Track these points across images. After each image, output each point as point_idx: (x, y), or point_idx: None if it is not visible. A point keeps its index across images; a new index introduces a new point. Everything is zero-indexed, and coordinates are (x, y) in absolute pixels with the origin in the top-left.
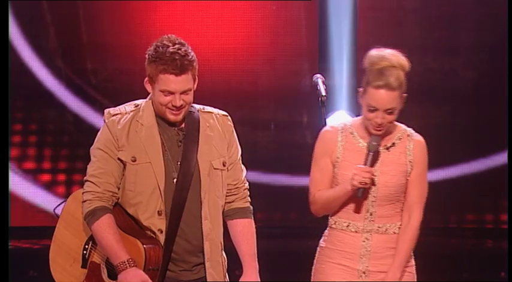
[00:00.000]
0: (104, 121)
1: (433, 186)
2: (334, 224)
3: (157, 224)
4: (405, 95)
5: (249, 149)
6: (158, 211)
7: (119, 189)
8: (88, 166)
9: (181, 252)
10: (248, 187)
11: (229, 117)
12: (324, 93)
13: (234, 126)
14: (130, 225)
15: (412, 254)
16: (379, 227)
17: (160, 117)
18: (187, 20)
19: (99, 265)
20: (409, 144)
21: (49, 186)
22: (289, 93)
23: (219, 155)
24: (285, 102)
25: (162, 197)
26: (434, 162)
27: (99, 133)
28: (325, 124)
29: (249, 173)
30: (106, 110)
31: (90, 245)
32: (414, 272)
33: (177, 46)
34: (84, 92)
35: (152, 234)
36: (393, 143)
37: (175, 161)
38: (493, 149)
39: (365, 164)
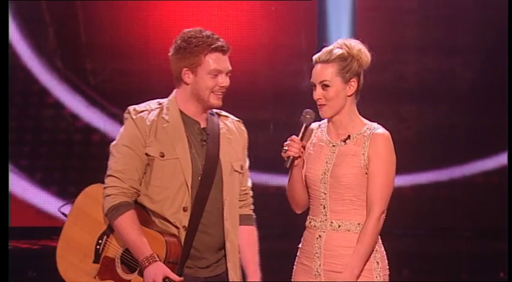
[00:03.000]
0: (129, 118)
1: (433, 187)
2: (306, 222)
3: (183, 221)
4: (353, 80)
5: (248, 149)
6: (184, 207)
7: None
8: (111, 162)
9: (203, 249)
10: (252, 195)
11: (243, 124)
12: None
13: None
14: (148, 220)
15: (377, 257)
16: (331, 223)
17: (185, 116)
18: (187, 20)
19: (114, 260)
20: (368, 137)
21: (49, 187)
22: (288, 93)
23: (237, 158)
24: (284, 103)
25: (189, 193)
26: (433, 163)
27: (123, 129)
28: None
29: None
30: (130, 107)
31: (104, 239)
32: (376, 276)
33: (208, 31)
34: (83, 92)
35: (176, 230)
36: (349, 136)
37: (201, 159)
38: (492, 149)
39: (297, 136)
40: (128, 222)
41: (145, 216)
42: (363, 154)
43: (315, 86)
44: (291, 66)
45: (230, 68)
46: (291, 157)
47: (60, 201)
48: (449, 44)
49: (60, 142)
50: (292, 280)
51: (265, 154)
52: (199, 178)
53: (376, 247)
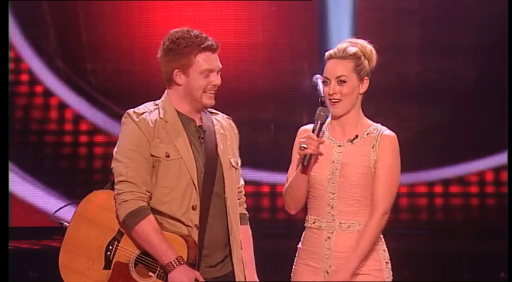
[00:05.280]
0: (130, 121)
1: (434, 186)
2: (307, 222)
3: (194, 219)
4: (366, 79)
5: (249, 149)
6: (192, 206)
7: None
8: (119, 168)
9: (210, 247)
10: (244, 193)
11: (232, 120)
12: (323, 94)
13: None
14: (159, 222)
15: (386, 257)
16: (340, 224)
17: (181, 115)
18: (187, 20)
19: (127, 264)
20: (376, 138)
21: (50, 187)
22: (289, 93)
23: (233, 154)
24: (285, 103)
25: (197, 191)
26: (433, 163)
27: (125, 133)
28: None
29: (248, 173)
30: (129, 111)
31: (115, 245)
32: (386, 276)
33: (197, 31)
34: (84, 92)
35: (188, 229)
36: (356, 136)
37: (202, 157)
38: (493, 149)
39: (312, 132)
40: (150, 226)
41: (156, 218)
42: (372, 154)
43: (329, 81)
44: (291, 66)
45: (220, 66)
46: (309, 155)
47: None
48: (450, 44)
49: (65, 143)
50: (294, 281)
51: (266, 154)
52: (202, 175)
53: (384, 247)
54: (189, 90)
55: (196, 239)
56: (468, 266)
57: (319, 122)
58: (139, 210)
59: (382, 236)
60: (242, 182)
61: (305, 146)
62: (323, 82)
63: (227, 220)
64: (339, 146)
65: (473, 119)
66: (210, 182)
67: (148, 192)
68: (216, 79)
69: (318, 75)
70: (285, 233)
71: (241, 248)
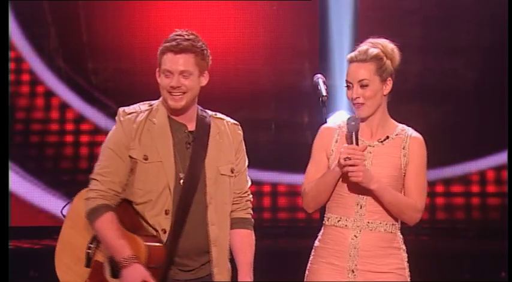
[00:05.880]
0: (118, 120)
1: (436, 186)
2: (328, 220)
3: (163, 224)
4: (389, 79)
5: (250, 149)
6: (166, 210)
7: (124, 189)
8: (96, 164)
9: (184, 254)
10: (251, 199)
11: (239, 127)
12: (324, 93)
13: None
14: (135, 223)
15: (405, 257)
16: (368, 223)
17: (172, 118)
18: (188, 20)
19: (102, 264)
20: (406, 139)
21: (51, 187)
22: (290, 93)
23: (227, 161)
24: (286, 102)
25: (171, 196)
26: (435, 162)
27: (111, 131)
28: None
29: (249, 172)
30: (120, 109)
31: (94, 244)
32: (407, 275)
33: (186, 33)
34: (85, 92)
35: (156, 233)
36: (387, 137)
37: (184, 163)
38: (494, 148)
39: (351, 143)
40: (105, 224)
41: (132, 217)
42: (404, 156)
43: (352, 85)
44: (292, 66)
45: (182, 68)
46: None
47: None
48: (451, 43)
49: (65, 143)
50: (314, 279)
51: (267, 154)
52: (182, 181)
53: (404, 247)
54: (160, 90)
55: (163, 243)
56: (469, 266)
57: (353, 133)
58: (98, 207)
59: (402, 236)
60: (245, 188)
61: (349, 157)
62: (346, 86)
63: (207, 228)
64: (370, 146)
65: (474, 119)
66: (190, 188)
67: (113, 190)
68: (173, 81)
69: (319, 75)
70: (286, 232)
71: (234, 255)
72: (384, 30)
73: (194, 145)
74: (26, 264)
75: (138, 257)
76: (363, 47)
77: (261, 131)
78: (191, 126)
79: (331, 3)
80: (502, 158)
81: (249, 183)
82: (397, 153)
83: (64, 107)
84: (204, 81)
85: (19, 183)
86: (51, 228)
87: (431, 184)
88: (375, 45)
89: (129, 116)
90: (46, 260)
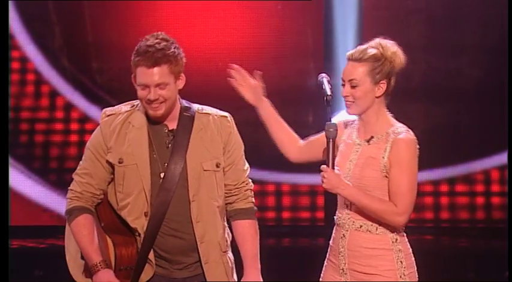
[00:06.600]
0: (100, 121)
1: (439, 185)
2: (335, 218)
3: (145, 226)
4: (383, 82)
5: (253, 148)
6: (145, 212)
7: (104, 190)
8: (79, 162)
9: (175, 252)
10: (251, 187)
11: (229, 119)
12: (329, 93)
13: (237, 126)
14: (116, 223)
15: (400, 256)
16: (353, 222)
17: (150, 119)
18: (193, 19)
19: None
20: (389, 141)
21: (56, 186)
22: (294, 92)
23: (211, 156)
24: (290, 102)
25: (147, 199)
26: (438, 161)
27: (93, 133)
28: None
29: (253, 172)
30: (103, 110)
31: None
32: (400, 275)
33: (156, 40)
34: (90, 91)
35: (138, 236)
36: (372, 137)
37: (163, 163)
38: (498, 147)
39: (328, 153)
40: (78, 228)
41: (114, 218)
42: (383, 158)
43: (344, 83)
44: (297, 65)
45: (158, 81)
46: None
47: None
48: (456, 43)
49: (70, 143)
50: (322, 276)
51: (270, 153)
52: (161, 181)
53: (400, 246)
54: (138, 99)
55: (139, 245)
56: (473, 265)
57: (331, 139)
58: (72, 210)
59: (398, 236)
60: (242, 178)
61: (324, 179)
62: (342, 84)
63: (192, 225)
64: (358, 144)
65: (479, 118)
66: (169, 188)
67: (89, 192)
68: (151, 94)
69: (324, 74)
70: (290, 231)
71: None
72: (388, 30)
73: (174, 143)
74: (30, 263)
75: (109, 260)
76: (362, 46)
77: (265, 130)
78: (172, 125)
79: (335, 3)
80: (506, 156)
81: (248, 171)
82: (379, 155)
83: (69, 106)
84: (181, 84)
85: (24, 183)
86: (56, 227)
87: (435, 183)
88: (376, 46)
89: (107, 118)
90: (50, 259)
